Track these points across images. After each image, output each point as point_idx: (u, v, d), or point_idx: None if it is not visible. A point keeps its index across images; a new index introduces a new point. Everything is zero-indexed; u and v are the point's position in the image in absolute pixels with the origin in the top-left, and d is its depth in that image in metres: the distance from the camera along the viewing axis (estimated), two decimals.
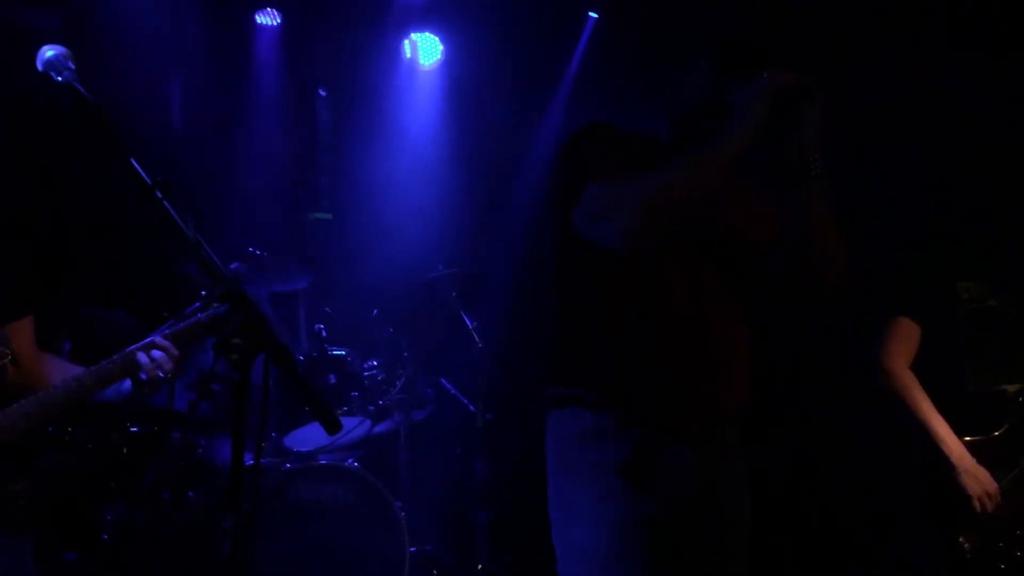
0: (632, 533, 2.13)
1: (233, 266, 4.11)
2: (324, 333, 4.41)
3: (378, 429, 4.51)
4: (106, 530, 3.73)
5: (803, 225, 2.21)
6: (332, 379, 4.35)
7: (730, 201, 2.29)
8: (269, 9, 5.60)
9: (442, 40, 5.90)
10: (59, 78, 2.04)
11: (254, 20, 5.61)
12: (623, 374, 2.21)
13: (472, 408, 4.79)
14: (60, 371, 2.59)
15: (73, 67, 2.04)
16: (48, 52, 2.06)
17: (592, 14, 5.78)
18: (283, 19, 5.63)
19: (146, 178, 1.91)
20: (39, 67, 2.08)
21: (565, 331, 2.33)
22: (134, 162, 1.91)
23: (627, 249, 2.14)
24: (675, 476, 2.18)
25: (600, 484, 2.18)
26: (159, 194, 1.90)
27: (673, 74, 2.33)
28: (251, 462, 1.79)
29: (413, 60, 5.93)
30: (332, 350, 4.39)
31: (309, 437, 4.27)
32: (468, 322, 4.73)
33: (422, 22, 5.84)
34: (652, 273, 2.21)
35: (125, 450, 3.85)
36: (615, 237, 2.12)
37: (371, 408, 4.43)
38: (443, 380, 5.02)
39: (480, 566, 4.52)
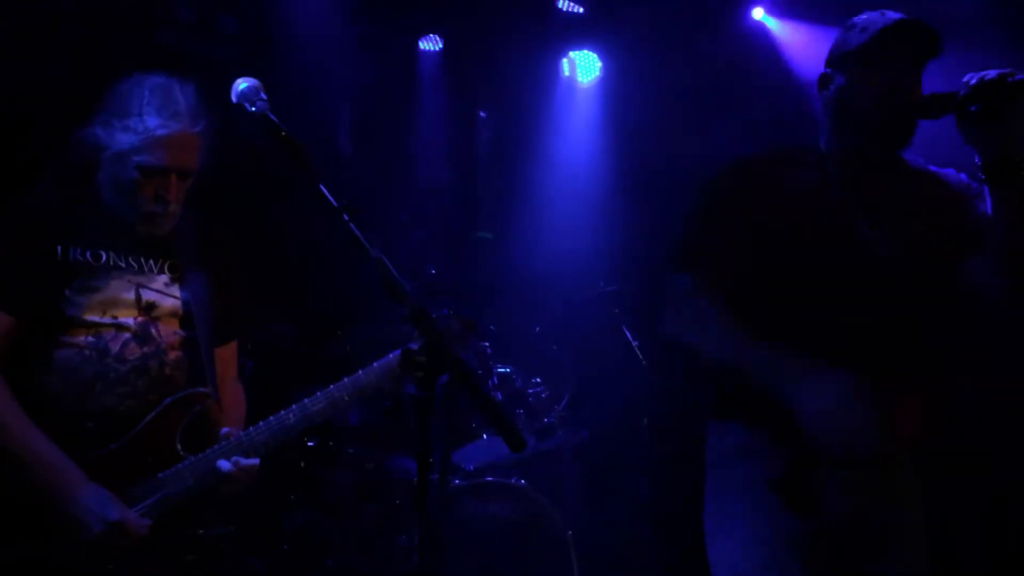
0: (783, 551, 2.10)
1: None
2: (489, 351, 4.46)
3: (543, 447, 4.52)
4: (285, 539, 3.88)
5: (1010, 226, 2.12)
6: (497, 397, 4.39)
7: (910, 211, 2.20)
8: (431, 35, 5.75)
9: (600, 57, 5.92)
10: (252, 108, 2.15)
11: (417, 46, 5.77)
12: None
13: (636, 426, 4.75)
14: (238, 407, 2.59)
15: (265, 98, 2.15)
16: (242, 84, 2.17)
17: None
18: (444, 44, 5.77)
19: (333, 202, 1.99)
20: (234, 99, 2.19)
21: None
22: (323, 187, 1.98)
23: None
24: (827, 495, 2.13)
25: (753, 499, 2.16)
26: (346, 217, 1.96)
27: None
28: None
29: (572, 78, 5.98)
30: (497, 368, 4.44)
31: (476, 454, 4.31)
32: (631, 339, 4.69)
33: (581, 40, 5.88)
34: (818, 292, 2.18)
35: (302, 464, 4.00)
36: None
37: (536, 426, 4.45)
38: (607, 398, 4.99)
39: None
